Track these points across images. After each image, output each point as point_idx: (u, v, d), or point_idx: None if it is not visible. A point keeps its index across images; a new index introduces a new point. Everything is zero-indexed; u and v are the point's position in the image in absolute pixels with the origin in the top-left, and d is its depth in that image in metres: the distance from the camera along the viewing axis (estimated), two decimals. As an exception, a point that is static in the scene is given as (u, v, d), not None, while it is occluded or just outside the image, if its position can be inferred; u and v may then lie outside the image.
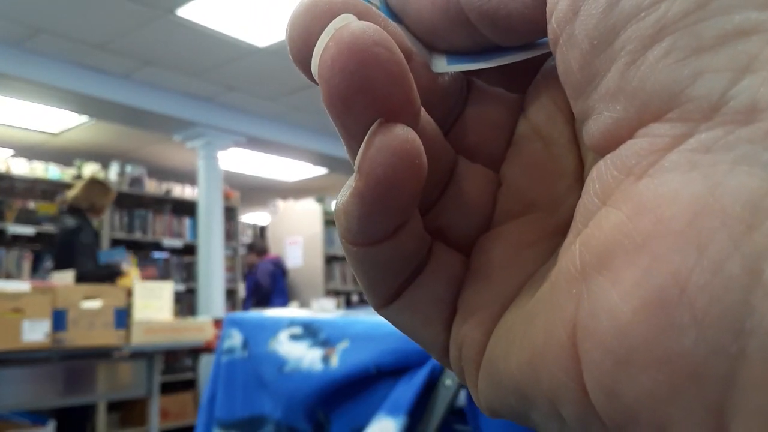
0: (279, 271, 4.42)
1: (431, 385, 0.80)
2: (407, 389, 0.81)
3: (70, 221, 2.80)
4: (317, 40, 0.10)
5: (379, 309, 0.12)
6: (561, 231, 0.11)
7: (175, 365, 3.52)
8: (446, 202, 0.13)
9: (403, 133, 0.10)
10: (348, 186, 0.10)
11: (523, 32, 0.11)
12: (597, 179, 0.09)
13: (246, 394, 1.09)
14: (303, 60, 0.11)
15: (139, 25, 3.08)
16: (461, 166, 0.13)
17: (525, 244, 0.11)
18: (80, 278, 2.45)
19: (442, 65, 0.12)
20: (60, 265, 2.75)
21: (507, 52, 0.11)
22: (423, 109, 0.11)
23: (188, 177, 4.89)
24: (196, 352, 3.15)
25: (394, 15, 0.12)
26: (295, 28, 0.11)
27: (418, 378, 0.81)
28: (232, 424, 1.09)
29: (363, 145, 0.10)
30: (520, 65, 0.12)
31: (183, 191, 4.56)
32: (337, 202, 0.11)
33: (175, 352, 3.37)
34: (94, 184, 2.94)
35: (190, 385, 3.42)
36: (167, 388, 3.13)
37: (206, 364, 3.18)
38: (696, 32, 0.08)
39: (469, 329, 0.12)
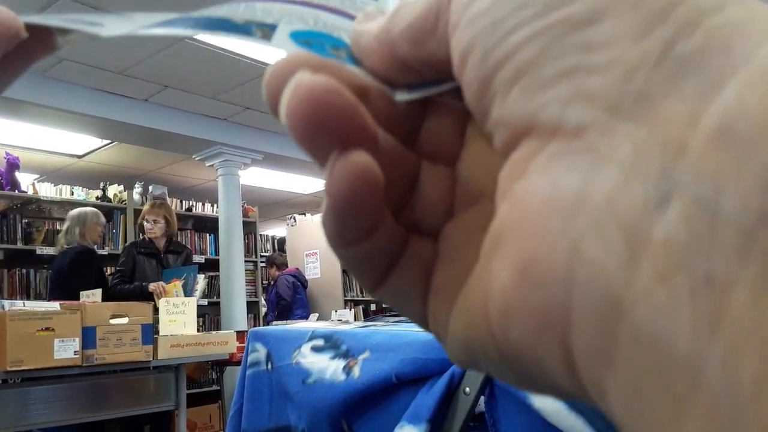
0: (299, 283, 4.46)
1: (451, 393, 0.82)
2: (428, 398, 0.83)
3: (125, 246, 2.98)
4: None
5: (371, 292, 0.15)
6: None
7: (201, 378, 3.56)
8: (415, 200, 0.15)
9: (357, 159, 0.12)
10: (324, 202, 0.13)
11: (448, 76, 0.13)
12: (499, 180, 0.12)
13: (272, 406, 1.11)
14: (276, 111, 0.14)
15: (157, 50, 3.17)
16: (425, 169, 0.15)
17: (478, 228, 0.13)
18: (117, 297, 2.58)
19: (401, 95, 0.15)
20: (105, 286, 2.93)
21: (450, 80, 0.14)
22: (381, 130, 0.14)
23: (209, 195, 4.98)
24: (220, 364, 3.19)
25: (358, 61, 0.15)
26: (267, 87, 0.13)
27: (438, 386, 0.83)
28: (259, 435, 1.12)
29: (326, 170, 0.12)
30: None
31: (204, 208, 4.65)
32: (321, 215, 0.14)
33: (199, 366, 3.42)
34: (151, 207, 3.12)
35: (215, 396, 3.46)
36: (193, 401, 3.18)
37: (231, 376, 3.22)
38: (540, 74, 0.11)
39: (438, 304, 0.14)
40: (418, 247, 0.15)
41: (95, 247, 3.16)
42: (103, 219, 3.20)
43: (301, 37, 0.15)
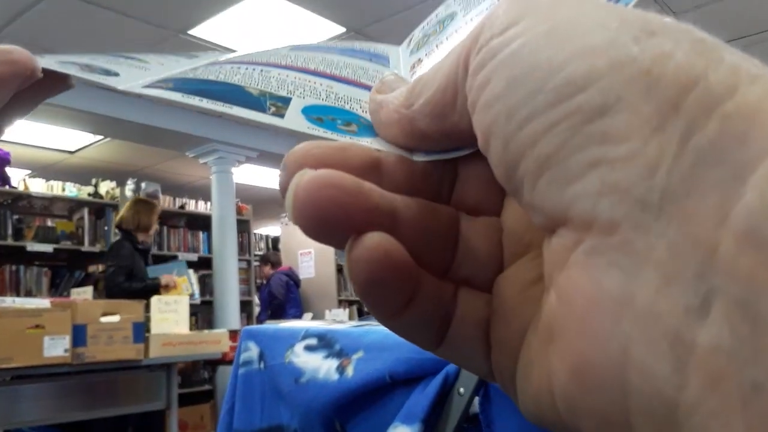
0: (292, 282, 4.45)
1: (445, 394, 0.82)
2: (422, 398, 0.82)
3: (113, 240, 2.90)
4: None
5: (432, 351, 0.15)
6: None
7: (192, 377, 3.55)
8: (461, 257, 0.15)
9: (370, 243, 0.12)
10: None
11: (472, 143, 0.13)
12: (545, 257, 0.12)
13: (264, 405, 1.10)
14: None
15: (151, 45, 3.15)
16: (465, 223, 0.15)
17: (530, 281, 0.13)
18: (112, 293, 2.52)
19: (419, 156, 0.15)
20: (109, 284, 2.87)
21: (469, 146, 0.14)
22: (403, 199, 0.14)
23: (202, 192, 4.96)
24: (213, 363, 3.18)
25: (372, 130, 0.15)
26: (281, 186, 0.14)
27: (432, 386, 0.82)
28: (251, 434, 1.11)
29: (345, 259, 0.12)
30: None
31: (197, 206, 4.62)
32: None
33: (191, 365, 3.40)
34: (139, 203, 3.03)
35: (208, 396, 3.45)
36: (185, 400, 3.16)
37: (223, 376, 3.21)
38: (565, 166, 0.10)
39: (501, 363, 0.14)
40: (472, 303, 0.14)
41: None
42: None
43: (313, 113, 0.16)
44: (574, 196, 0.10)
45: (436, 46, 0.19)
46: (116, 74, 0.16)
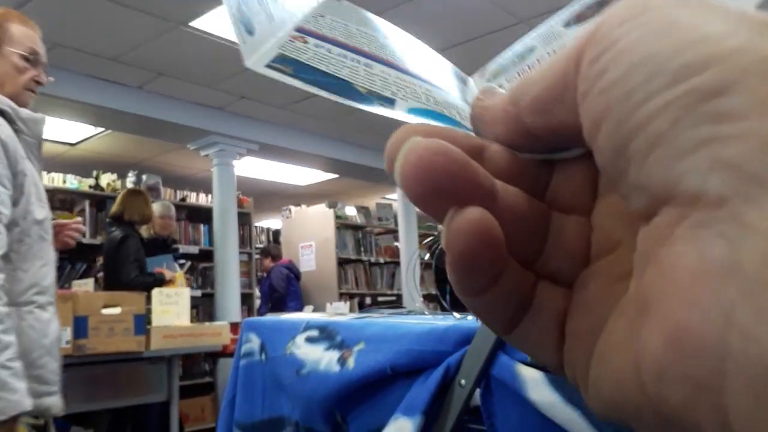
0: (293, 274, 4.45)
1: (446, 385, 0.82)
2: (423, 390, 0.82)
3: (116, 232, 2.88)
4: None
5: (502, 336, 0.16)
6: None
7: (193, 370, 3.56)
8: (550, 250, 0.15)
9: (471, 216, 0.13)
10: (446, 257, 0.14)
11: (575, 141, 0.14)
12: (640, 243, 0.12)
13: (265, 397, 1.11)
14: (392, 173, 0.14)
15: (152, 37, 3.13)
16: (558, 219, 0.15)
17: (616, 277, 0.14)
18: (126, 286, 2.51)
19: (524, 155, 0.16)
20: (108, 275, 2.85)
21: (574, 148, 0.15)
22: (502, 184, 0.14)
23: (203, 184, 4.95)
24: (213, 356, 3.19)
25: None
26: (387, 155, 0.14)
27: (433, 378, 0.82)
28: (252, 426, 1.11)
29: (444, 228, 0.13)
30: None
31: (198, 198, 4.62)
32: None
33: (192, 357, 3.42)
34: (131, 194, 3.02)
35: (208, 389, 3.46)
36: (186, 392, 3.17)
37: (224, 368, 3.22)
38: (676, 144, 0.11)
39: (575, 355, 0.14)
40: (550, 295, 0.15)
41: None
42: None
43: (417, 114, 0.17)
44: (683, 171, 0.11)
45: (518, 74, 0.20)
46: (252, 32, 0.17)
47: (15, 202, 1.08)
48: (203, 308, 4.33)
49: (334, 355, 0.94)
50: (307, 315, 1.24)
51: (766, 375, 0.09)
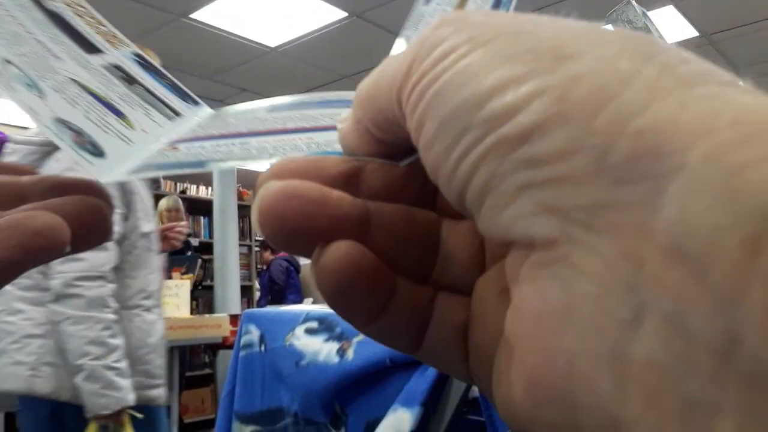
0: (293, 267, 4.46)
1: (445, 377, 0.82)
2: (421, 381, 0.83)
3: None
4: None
5: (411, 354, 0.15)
6: None
7: (193, 361, 3.58)
8: (443, 261, 0.15)
9: (337, 252, 0.12)
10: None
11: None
12: (507, 273, 0.12)
13: (264, 388, 1.11)
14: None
15: (152, 29, 3.12)
16: (447, 227, 0.15)
17: (506, 284, 0.13)
18: None
19: (404, 161, 0.15)
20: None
21: None
22: (377, 205, 0.14)
23: (203, 177, 4.95)
24: (213, 348, 3.20)
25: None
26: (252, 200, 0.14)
27: (432, 370, 0.82)
28: (251, 416, 1.12)
29: (312, 267, 0.12)
30: None
31: (198, 191, 4.62)
32: None
33: (193, 349, 3.43)
34: None
35: (208, 380, 3.48)
36: (185, 384, 3.19)
37: (224, 360, 3.23)
38: (500, 192, 0.11)
39: (478, 366, 0.14)
40: (451, 307, 0.14)
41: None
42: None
43: None
44: (512, 218, 0.11)
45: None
46: (101, 154, 0.17)
47: (125, 218, 1.20)
48: (203, 300, 4.35)
49: (334, 346, 0.95)
50: (306, 307, 1.24)
51: (610, 429, 0.09)
